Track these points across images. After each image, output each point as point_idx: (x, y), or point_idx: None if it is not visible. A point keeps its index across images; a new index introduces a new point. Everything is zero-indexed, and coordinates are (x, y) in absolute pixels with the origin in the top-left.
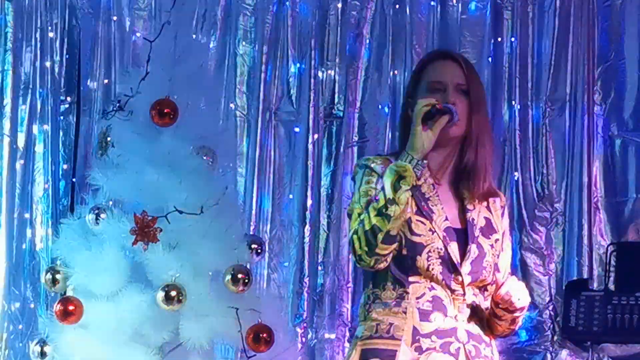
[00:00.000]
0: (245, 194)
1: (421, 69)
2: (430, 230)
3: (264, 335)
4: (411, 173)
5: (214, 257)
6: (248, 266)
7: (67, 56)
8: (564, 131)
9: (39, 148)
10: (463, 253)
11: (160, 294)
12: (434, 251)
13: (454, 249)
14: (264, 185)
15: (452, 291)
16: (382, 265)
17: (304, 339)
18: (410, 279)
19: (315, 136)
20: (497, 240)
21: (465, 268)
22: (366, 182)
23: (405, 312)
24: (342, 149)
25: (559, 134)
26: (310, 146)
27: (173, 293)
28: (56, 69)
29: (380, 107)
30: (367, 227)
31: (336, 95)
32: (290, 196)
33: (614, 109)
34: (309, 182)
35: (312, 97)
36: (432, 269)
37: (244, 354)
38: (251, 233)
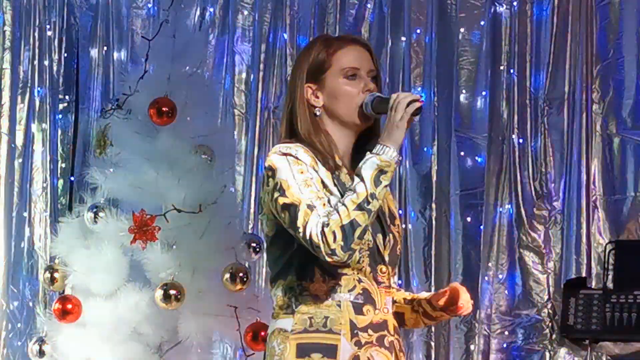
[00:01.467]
0: (243, 193)
1: (328, 55)
2: None
3: (263, 333)
4: (394, 168)
5: (212, 256)
6: (246, 265)
7: (65, 55)
8: (563, 129)
9: (37, 146)
10: (382, 242)
11: (159, 293)
12: (363, 243)
13: (380, 239)
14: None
15: (379, 283)
16: (350, 260)
17: None
18: (340, 270)
19: None
20: (399, 225)
21: (387, 258)
22: (299, 171)
23: (339, 306)
24: None
25: (558, 132)
26: None
27: (171, 292)
28: (54, 68)
29: None
30: (344, 222)
31: None
32: None
33: (612, 108)
34: None
35: None
36: (363, 261)
37: (242, 352)
38: (249, 231)
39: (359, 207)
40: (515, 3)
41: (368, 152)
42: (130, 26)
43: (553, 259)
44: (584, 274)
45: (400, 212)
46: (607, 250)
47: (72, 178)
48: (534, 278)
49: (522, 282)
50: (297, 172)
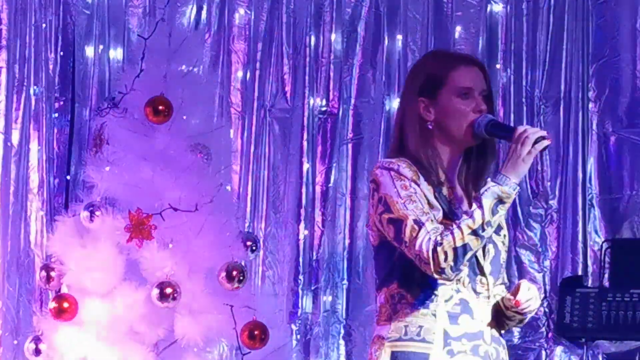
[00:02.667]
0: (240, 191)
1: (444, 72)
2: None
3: (259, 332)
4: (511, 201)
5: (208, 254)
6: (243, 263)
7: (61, 53)
8: (559, 128)
9: (33, 145)
10: (482, 253)
11: (155, 291)
12: None
13: (480, 251)
14: (258, 182)
15: (478, 293)
16: (455, 279)
17: (298, 336)
18: (439, 281)
19: (310, 133)
20: (505, 235)
21: (487, 269)
22: (402, 187)
23: (434, 315)
24: (337, 146)
25: (554, 131)
26: (305, 143)
27: (168, 290)
28: (50, 67)
29: (375, 104)
30: (457, 244)
31: (331, 92)
32: (285, 193)
33: (608, 106)
34: (304, 179)
35: (306, 94)
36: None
37: (238, 351)
38: (246, 230)
39: (474, 233)
40: (511, 1)
41: (489, 180)
42: (126, 25)
43: (549, 258)
44: (580, 273)
45: None
46: (604, 249)
47: (68, 177)
48: (530, 276)
49: (518, 280)
50: (401, 188)
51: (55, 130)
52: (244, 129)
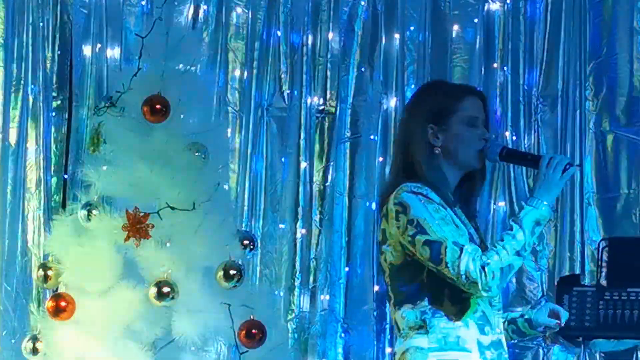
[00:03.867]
0: (237, 190)
1: (454, 102)
2: None
3: (256, 331)
4: (547, 222)
5: (206, 253)
6: (240, 262)
7: (59, 52)
8: (556, 127)
9: (30, 144)
10: None
11: (153, 290)
12: None
13: None
14: (256, 181)
15: (493, 306)
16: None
17: (296, 335)
18: (464, 295)
19: (308, 132)
20: None
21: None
22: (434, 210)
23: (467, 326)
24: (334, 145)
25: (551, 129)
26: (302, 142)
27: (165, 289)
28: (48, 65)
29: (372, 102)
30: (503, 264)
31: (328, 91)
32: (283, 192)
33: (605, 105)
34: (301, 178)
35: (304, 93)
36: None
37: (236, 350)
38: (243, 229)
39: (518, 254)
40: (508, 0)
41: (524, 204)
42: (123, 24)
43: (546, 256)
44: (577, 271)
45: None
46: (601, 248)
47: (65, 176)
48: (527, 275)
49: (515, 279)
50: (433, 211)
51: (53, 129)
52: (242, 127)
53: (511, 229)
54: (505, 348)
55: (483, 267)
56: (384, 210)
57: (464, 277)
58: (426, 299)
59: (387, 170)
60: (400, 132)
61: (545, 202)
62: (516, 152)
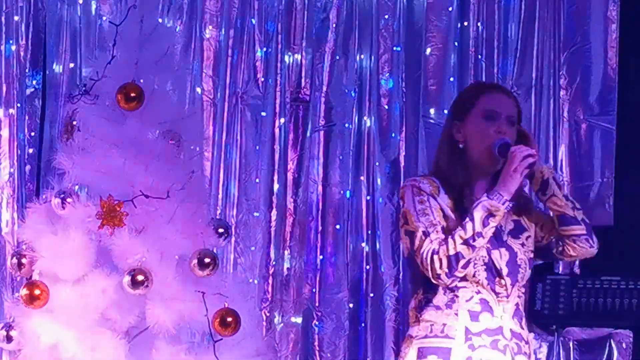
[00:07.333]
0: (211, 178)
1: (475, 96)
2: None
3: (230, 319)
4: (502, 214)
5: (180, 241)
6: (214, 250)
7: (32, 40)
8: (530, 115)
9: (4, 132)
10: (499, 257)
11: (127, 278)
12: (478, 259)
13: (497, 255)
14: (230, 169)
15: (497, 294)
16: (454, 284)
17: (270, 323)
18: (459, 284)
19: (282, 120)
20: (528, 237)
21: (504, 271)
22: (419, 201)
23: (457, 314)
24: (308, 133)
25: (525, 118)
26: (276, 130)
27: (139, 277)
28: (21, 53)
29: (347, 91)
30: (451, 252)
31: (303, 80)
32: (257, 180)
33: (579, 94)
34: (276, 167)
35: (278, 81)
36: (478, 275)
37: (210, 338)
38: (217, 217)
39: (465, 243)
40: None
41: (485, 195)
42: (97, 11)
43: None
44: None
45: (369, 198)
46: None
47: (39, 163)
48: None
49: None
50: (418, 202)
51: (27, 117)
52: (216, 116)
53: (465, 220)
54: (508, 336)
55: (432, 256)
56: None
57: (422, 265)
58: (421, 289)
59: (362, 158)
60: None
61: (501, 193)
62: (507, 147)
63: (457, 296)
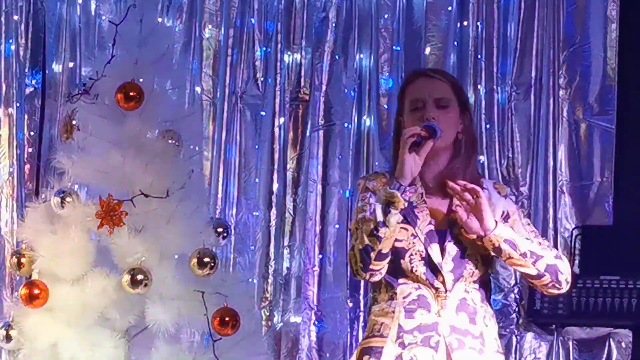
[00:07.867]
0: (211, 178)
1: (403, 90)
2: (412, 235)
3: (230, 318)
4: (399, 199)
5: (179, 241)
6: (214, 250)
7: (32, 39)
8: (529, 115)
9: (4, 131)
10: (440, 253)
11: (126, 278)
12: (415, 254)
13: (434, 250)
14: (229, 168)
15: (436, 289)
16: (377, 278)
17: (269, 323)
18: (399, 281)
19: (281, 120)
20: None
21: (447, 266)
22: (361, 198)
23: (393, 312)
24: (308, 133)
25: (524, 117)
26: (276, 130)
27: (139, 277)
28: (21, 52)
29: (346, 90)
30: (360, 246)
31: (302, 79)
32: (256, 180)
33: (579, 93)
34: (275, 166)
35: (278, 81)
36: (416, 270)
37: (209, 337)
38: (217, 217)
39: (370, 234)
40: None
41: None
42: (97, 10)
43: None
44: None
45: None
46: (574, 236)
47: (39, 163)
48: (500, 263)
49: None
50: (360, 200)
51: (26, 116)
52: (216, 115)
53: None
54: (446, 332)
55: (350, 253)
56: None
57: (349, 263)
58: (371, 287)
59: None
60: None
61: (398, 179)
62: (433, 130)
63: (395, 293)
